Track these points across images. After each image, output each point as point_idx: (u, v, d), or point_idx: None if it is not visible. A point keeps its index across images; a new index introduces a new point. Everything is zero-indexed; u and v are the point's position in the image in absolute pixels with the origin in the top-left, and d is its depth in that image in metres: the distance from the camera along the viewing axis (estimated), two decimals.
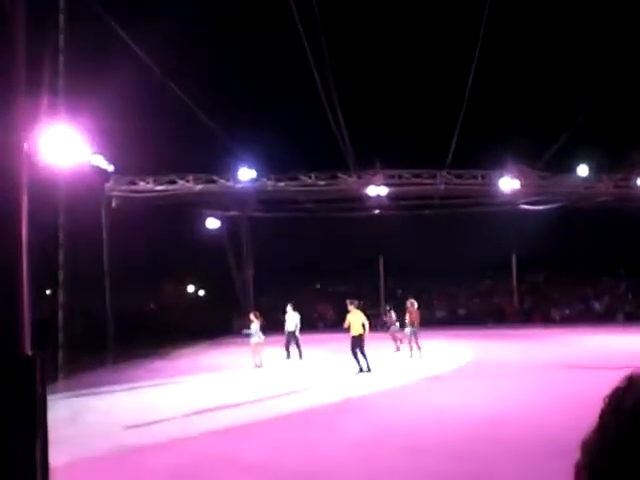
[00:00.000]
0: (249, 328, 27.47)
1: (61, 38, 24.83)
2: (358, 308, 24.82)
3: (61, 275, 26.39)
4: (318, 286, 56.32)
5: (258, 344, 26.97)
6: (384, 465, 11.34)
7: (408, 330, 28.36)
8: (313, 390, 20.86)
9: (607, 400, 1.07)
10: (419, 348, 28.21)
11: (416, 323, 28.28)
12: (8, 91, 5.48)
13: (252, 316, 27.68)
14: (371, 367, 23.91)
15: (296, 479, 10.82)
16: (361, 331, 24.10)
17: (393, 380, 22.40)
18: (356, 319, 24.34)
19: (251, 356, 27.00)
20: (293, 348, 29.48)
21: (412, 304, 28.44)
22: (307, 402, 18.56)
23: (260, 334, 27.01)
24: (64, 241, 26.29)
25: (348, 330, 24.44)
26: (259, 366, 26.54)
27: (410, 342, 28.25)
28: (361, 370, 23.67)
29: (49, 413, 5.38)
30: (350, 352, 24.08)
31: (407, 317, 28.56)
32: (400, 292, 54.35)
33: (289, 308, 30.00)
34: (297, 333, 29.58)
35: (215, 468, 11.55)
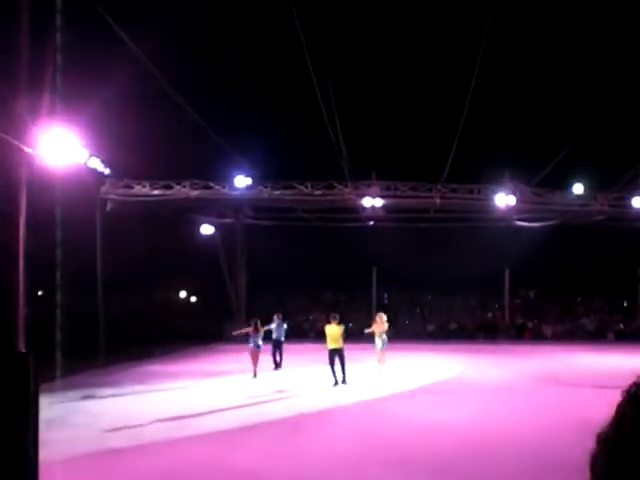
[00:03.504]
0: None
1: (58, 38, 24.81)
2: (339, 324, 24.73)
3: (58, 277, 26.34)
4: (311, 295, 56.17)
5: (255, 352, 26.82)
6: (372, 478, 11.35)
7: (379, 342, 27.80)
8: (299, 400, 20.87)
9: (625, 393, 1.13)
10: (382, 362, 27.77)
11: (384, 335, 27.76)
12: (10, 93, 5.54)
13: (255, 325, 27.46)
14: (346, 380, 23.98)
15: None
16: (336, 345, 24.13)
17: (380, 392, 22.42)
18: (334, 333, 24.39)
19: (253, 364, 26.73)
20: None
21: (380, 317, 28.12)
22: (293, 411, 18.59)
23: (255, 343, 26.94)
24: (59, 243, 26.23)
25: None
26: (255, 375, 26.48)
27: (380, 355, 27.76)
28: (336, 383, 23.73)
29: (40, 414, 5.40)
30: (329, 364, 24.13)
31: (374, 329, 28.07)
32: (394, 305, 54.48)
33: (275, 318, 29.91)
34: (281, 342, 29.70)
35: (202, 474, 11.56)
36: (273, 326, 29.47)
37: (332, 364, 23.91)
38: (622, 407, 1.11)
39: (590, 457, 1.12)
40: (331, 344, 24.07)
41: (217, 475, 11.52)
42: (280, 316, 30.09)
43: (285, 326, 30.00)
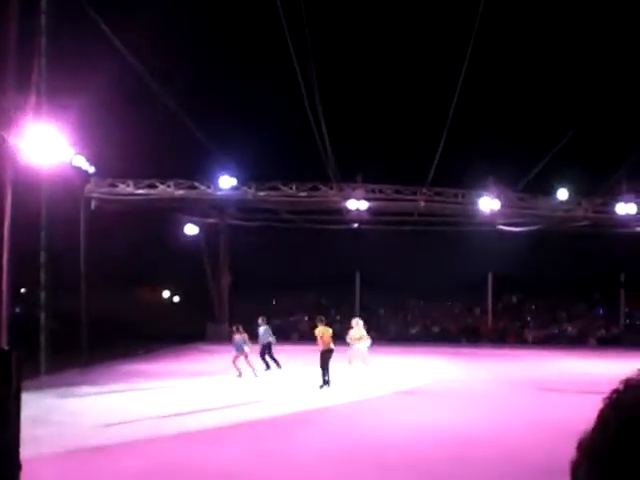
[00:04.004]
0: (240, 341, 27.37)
1: (44, 40, 24.74)
2: (327, 325, 24.93)
3: (43, 276, 26.24)
4: (294, 297, 56.08)
5: (240, 355, 26.97)
6: (354, 479, 11.36)
7: (362, 346, 27.69)
8: (282, 401, 20.87)
9: (607, 400, 1.14)
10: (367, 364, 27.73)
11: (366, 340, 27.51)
12: None
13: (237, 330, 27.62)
14: (330, 381, 24.04)
15: None
16: (329, 347, 24.27)
17: (362, 395, 22.42)
18: (327, 334, 24.51)
19: (242, 365, 26.92)
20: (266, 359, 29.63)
21: (357, 323, 27.96)
22: (275, 412, 18.60)
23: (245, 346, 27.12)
24: (43, 241, 26.14)
25: (317, 342, 24.57)
26: (240, 375, 26.62)
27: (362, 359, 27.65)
28: (325, 384, 23.80)
29: (22, 412, 5.37)
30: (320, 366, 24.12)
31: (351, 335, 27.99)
32: (378, 308, 54.55)
33: (260, 321, 29.93)
34: (272, 345, 29.69)
35: (182, 473, 11.54)
36: (260, 329, 29.50)
37: (327, 365, 24.06)
38: (604, 414, 1.12)
39: (571, 465, 1.13)
40: (326, 345, 24.18)
41: (198, 475, 11.51)
42: (264, 319, 30.07)
43: (262, 328, 29.90)
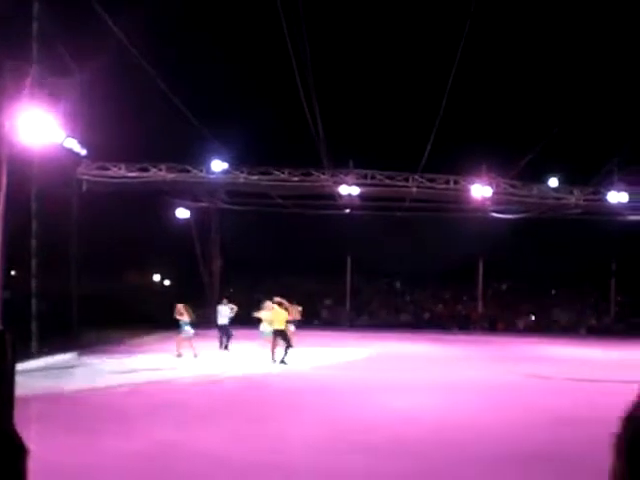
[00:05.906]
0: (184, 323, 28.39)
1: (36, 26, 24.63)
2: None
3: (34, 258, 26.27)
4: (284, 281, 56.05)
5: (187, 338, 28.30)
6: (339, 464, 11.35)
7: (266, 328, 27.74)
8: (261, 381, 20.97)
9: None
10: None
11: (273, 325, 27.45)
12: None
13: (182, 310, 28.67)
14: (286, 360, 25.38)
15: (249, 472, 10.80)
16: (282, 326, 26.04)
17: (352, 379, 22.47)
18: (279, 315, 26.31)
19: (184, 347, 28.26)
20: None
21: (271, 307, 27.88)
22: (264, 394, 18.66)
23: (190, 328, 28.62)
24: (35, 228, 26.16)
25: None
26: (196, 356, 27.84)
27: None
28: (282, 361, 25.27)
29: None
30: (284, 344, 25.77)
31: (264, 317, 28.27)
32: (368, 293, 54.69)
33: (223, 302, 31.42)
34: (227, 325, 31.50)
35: (168, 454, 11.51)
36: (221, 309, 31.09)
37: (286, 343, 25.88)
38: None
39: (616, 438, 1.13)
40: (277, 325, 26.23)
41: (183, 456, 11.49)
42: (224, 300, 31.39)
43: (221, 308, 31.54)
